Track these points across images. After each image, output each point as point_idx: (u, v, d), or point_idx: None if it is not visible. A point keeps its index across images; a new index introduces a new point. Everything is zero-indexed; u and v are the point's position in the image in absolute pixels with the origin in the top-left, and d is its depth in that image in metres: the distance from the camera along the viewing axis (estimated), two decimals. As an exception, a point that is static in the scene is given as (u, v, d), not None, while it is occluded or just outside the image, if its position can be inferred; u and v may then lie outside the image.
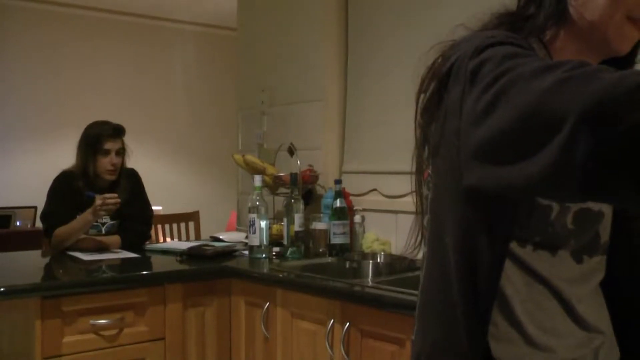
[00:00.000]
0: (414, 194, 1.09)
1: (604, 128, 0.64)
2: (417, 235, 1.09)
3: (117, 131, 3.02)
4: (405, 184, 2.80)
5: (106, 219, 3.02)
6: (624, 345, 1.06)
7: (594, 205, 0.98)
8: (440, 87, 0.93)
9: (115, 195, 2.88)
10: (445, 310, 0.97)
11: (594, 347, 1.01)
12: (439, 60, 0.97)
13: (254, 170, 3.14)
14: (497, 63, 0.82)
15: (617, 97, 0.64)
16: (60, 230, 2.90)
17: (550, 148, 0.68)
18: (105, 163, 2.96)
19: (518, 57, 0.82)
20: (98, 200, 2.83)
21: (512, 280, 0.95)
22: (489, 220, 0.92)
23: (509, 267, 0.94)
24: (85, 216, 2.87)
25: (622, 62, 1.01)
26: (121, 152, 3.03)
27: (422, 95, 0.99)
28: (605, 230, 1.01)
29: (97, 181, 2.99)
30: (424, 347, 1.03)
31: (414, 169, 1.06)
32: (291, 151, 3.09)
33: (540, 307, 0.96)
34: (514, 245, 0.94)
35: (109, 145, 2.97)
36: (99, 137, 2.96)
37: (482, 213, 0.92)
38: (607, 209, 1.00)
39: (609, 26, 0.93)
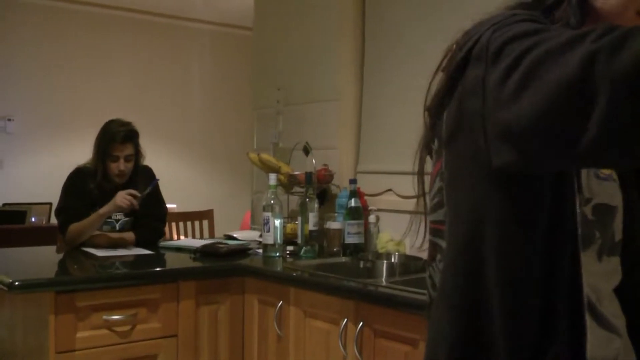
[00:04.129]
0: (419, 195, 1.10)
1: None
2: (425, 234, 1.09)
3: (127, 137, 2.99)
4: (421, 185, 2.80)
5: (120, 216, 3.02)
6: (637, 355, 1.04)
7: (611, 200, 0.97)
8: (456, 75, 0.92)
9: (139, 195, 2.91)
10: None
11: (614, 350, 0.98)
12: (454, 47, 0.96)
13: (269, 168, 3.13)
14: (520, 41, 0.81)
15: None
16: (75, 226, 2.90)
17: (593, 121, 0.70)
18: (114, 168, 2.97)
19: (540, 33, 0.81)
20: (121, 193, 2.86)
21: None
22: (519, 205, 0.91)
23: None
24: (99, 211, 2.89)
25: None
26: (130, 158, 3.02)
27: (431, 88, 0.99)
28: (618, 228, 0.99)
29: (108, 182, 3.00)
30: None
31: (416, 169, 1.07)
32: (306, 150, 3.09)
33: None
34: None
35: (118, 151, 2.96)
36: (109, 143, 2.95)
37: (511, 196, 0.91)
38: (620, 206, 0.99)
39: (621, 20, 0.93)
